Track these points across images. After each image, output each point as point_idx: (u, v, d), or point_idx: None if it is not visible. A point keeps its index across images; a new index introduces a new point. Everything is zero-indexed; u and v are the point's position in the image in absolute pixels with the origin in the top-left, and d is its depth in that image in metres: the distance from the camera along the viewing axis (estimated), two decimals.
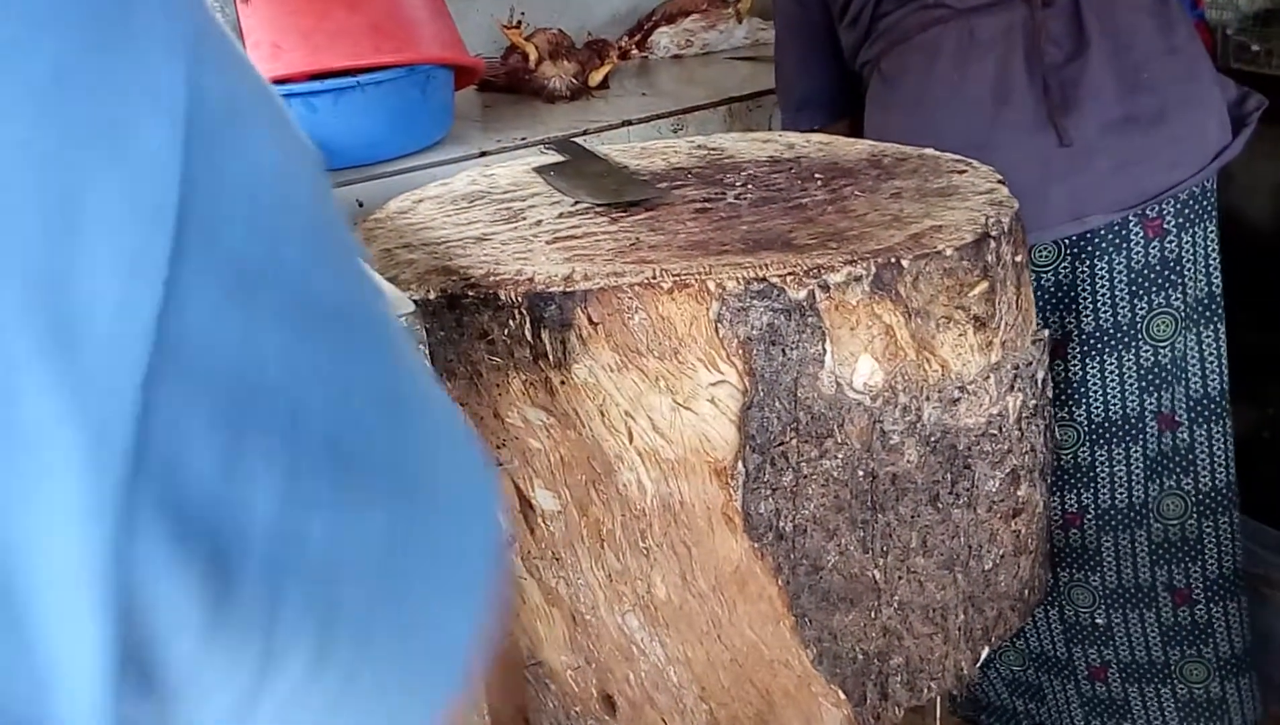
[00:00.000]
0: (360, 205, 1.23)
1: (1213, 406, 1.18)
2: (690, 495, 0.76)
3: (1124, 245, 1.10)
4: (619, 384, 0.73)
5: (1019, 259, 0.81)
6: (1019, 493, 0.85)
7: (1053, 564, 1.07)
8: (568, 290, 0.72)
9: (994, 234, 0.77)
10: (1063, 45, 1.08)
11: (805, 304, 0.71)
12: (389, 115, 1.29)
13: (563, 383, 0.74)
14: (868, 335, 0.73)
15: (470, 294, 0.73)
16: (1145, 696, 1.27)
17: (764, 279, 0.70)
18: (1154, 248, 1.11)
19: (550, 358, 0.73)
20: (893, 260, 0.72)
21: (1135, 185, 1.08)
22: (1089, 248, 1.10)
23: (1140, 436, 1.17)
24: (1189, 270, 1.13)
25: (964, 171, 0.89)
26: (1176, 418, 1.17)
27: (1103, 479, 1.19)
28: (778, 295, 0.70)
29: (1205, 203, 1.13)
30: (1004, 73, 1.08)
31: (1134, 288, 1.12)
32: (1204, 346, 1.17)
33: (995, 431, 0.81)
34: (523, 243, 0.82)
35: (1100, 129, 1.06)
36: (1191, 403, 1.17)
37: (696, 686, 0.83)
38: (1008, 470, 0.83)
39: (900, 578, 0.82)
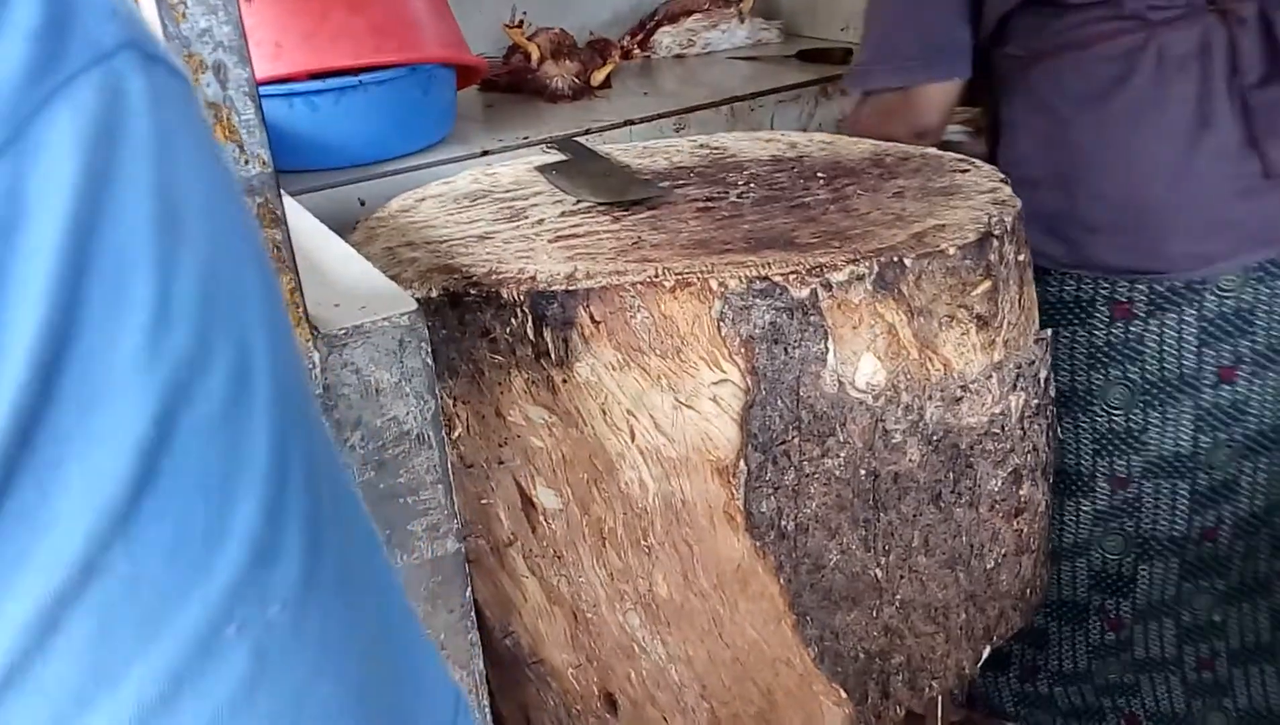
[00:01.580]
0: (362, 204, 1.23)
1: None
2: (692, 494, 0.76)
3: None
4: (621, 382, 0.73)
5: (1022, 258, 0.81)
6: (1021, 492, 0.85)
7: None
8: (570, 289, 0.72)
9: (997, 233, 0.77)
10: (1258, 64, 1.02)
11: (808, 303, 0.71)
12: (391, 114, 1.29)
13: (565, 381, 0.74)
14: (870, 334, 0.73)
15: (472, 292, 0.73)
16: (1249, 675, 1.27)
17: (766, 278, 0.70)
18: None
19: (552, 356, 0.73)
20: (895, 259, 0.72)
21: None
22: (1273, 269, 1.07)
23: None
24: None
25: (967, 171, 0.89)
26: None
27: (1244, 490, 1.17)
28: (780, 294, 0.70)
29: None
30: (1206, 94, 1.02)
31: None
32: None
33: (998, 431, 0.81)
34: (525, 241, 0.82)
35: None
36: None
37: (698, 685, 0.83)
38: (1010, 469, 0.83)
39: (902, 577, 0.82)
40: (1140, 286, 1.08)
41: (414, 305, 0.57)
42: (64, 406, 0.19)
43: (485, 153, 1.31)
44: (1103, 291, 1.10)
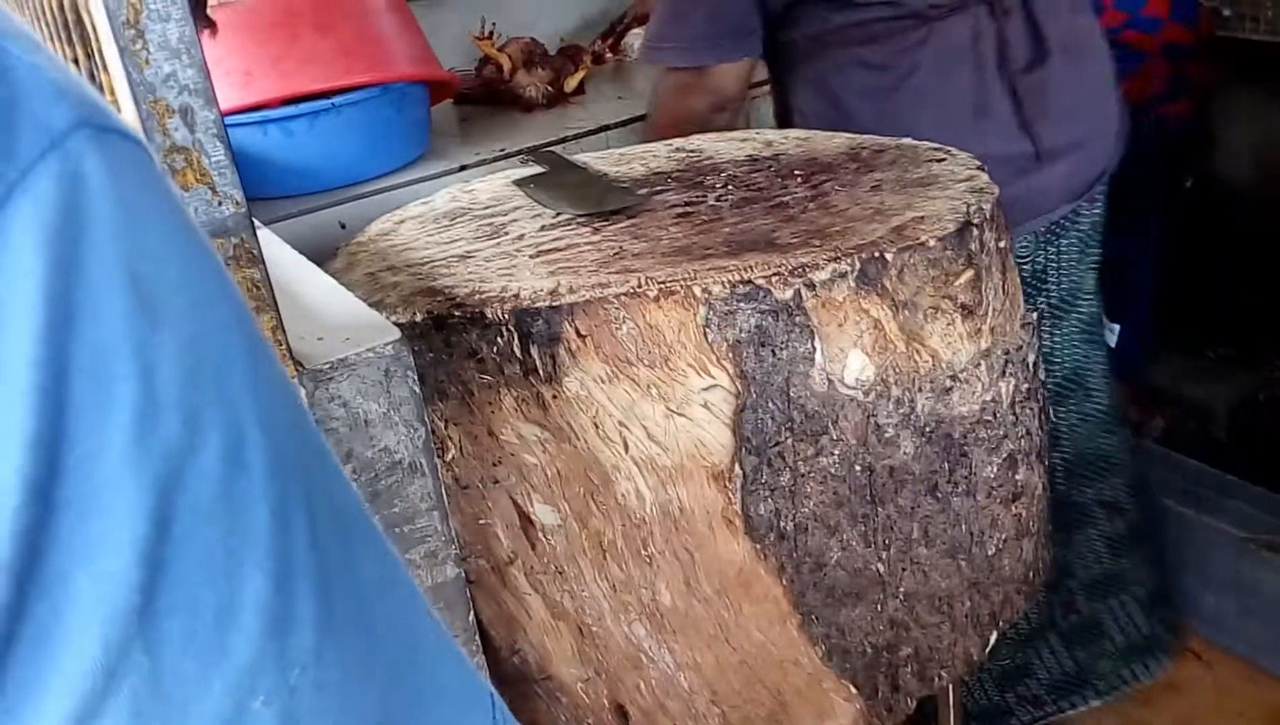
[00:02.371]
0: (343, 226, 1.23)
1: (1096, 335, 1.30)
2: (689, 501, 0.76)
3: (1075, 223, 1.22)
4: (611, 395, 0.73)
5: (1003, 245, 0.81)
6: (1017, 477, 0.85)
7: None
8: (554, 304, 0.71)
9: (976, 221, 0.77)
10: (1023, 51, 1.10)
11: (792, 304, 0.71)
12: (366, 135, 1.29)
13: (555, 397, 0.74)
14: (856, 331, 0.73)
15: (457, 314, 0.73)
16: (1114, 610, 1.35)
17: (749, 281, 0.70)
18: (1093, 216, 1.24)
19: (540, 373, 0.73)
20: (877, 254, 0.72)
21: (1085, 176, 1.18)
22: (1056, 230, 1.20)
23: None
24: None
25: (943, 160, 0.89)
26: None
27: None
28: (764, 296, 0.70)
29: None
30: (980, 82, 1.09)
31: (1083, 255, 1.23)
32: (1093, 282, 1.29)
33: (990, 418, 0.81)
34: (506, 258, 0.81)
35: (1065, 133, 1.12)
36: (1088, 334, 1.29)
37: (708, 691, 0.83)
38: (1005, 455, 0.83)
39: (904, 569, 0.82)
40: None
41: (398, 334, 0.57)
42: (63, 518, 0.19)
43: (463, 167, 1.31)
44: None
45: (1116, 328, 1.40)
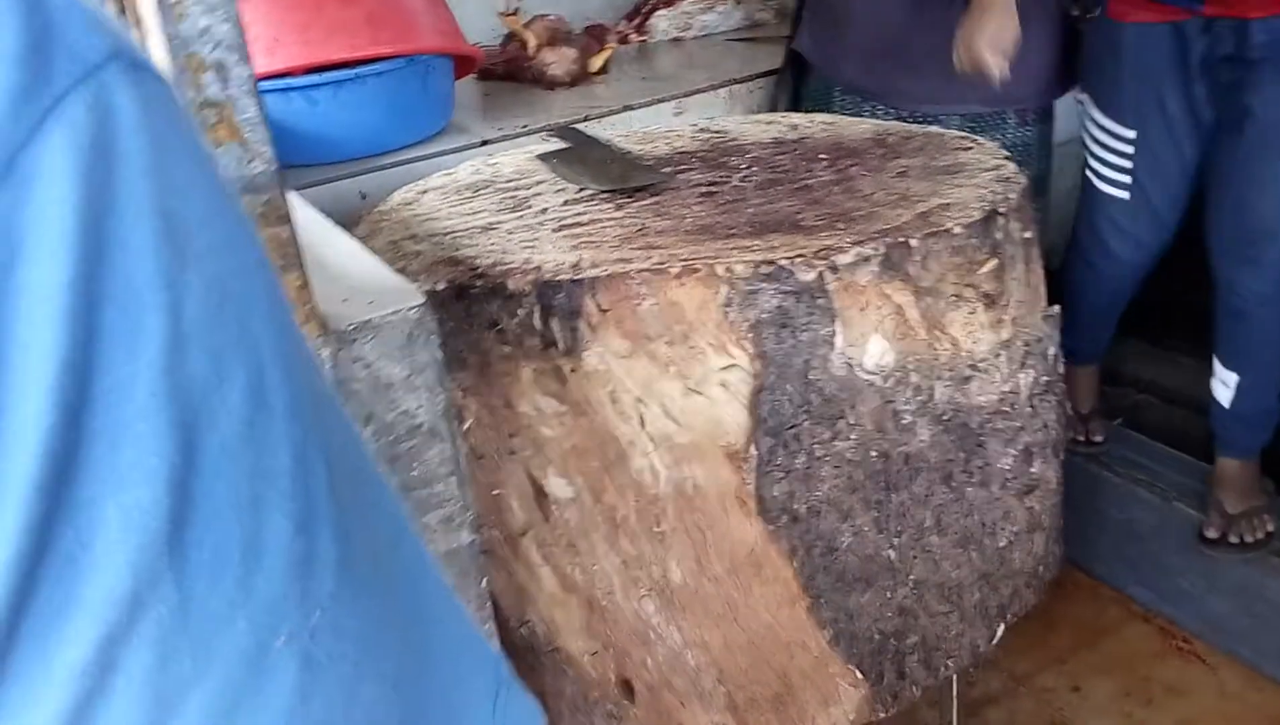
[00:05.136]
0: (364, 197, 1.23)
1: None
2: (704, 479, 0.76)
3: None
4: (629, 370, 0.73)
5: (1028, 235, 0.80)
6: (1032, 469, 0.85)
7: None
8: (576, 278, 0.71)
9: (1002, 211, 0.76)
10: None
11: (814, 286, 0.71)
12: (389, 106, 1.28)
13: (573, 370, 0.74)
14: (878, 316, 0.73)
15: (478, 284, 0.73)
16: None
17: (773, 262, 0.70)
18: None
19: (560, 346, 0.73)
20: (901, 240, 0.71)
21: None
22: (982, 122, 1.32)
23: None
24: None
25: (969, 148, 0.89)
26: None
27: None
28: (787, 278, 0.70)
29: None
30: None
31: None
32: None
33: (1007, 409, 0.81)
34: (529, 231, 0.81)
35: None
36: None
37: (714, 669, 0.83)
38: (1021, 447, 0.83)
39: (915, 557, 0.82)
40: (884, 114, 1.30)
41: (422, 298, 0.57)
42: (93, 445, 0.19)
43: (485, 142, 1.31)
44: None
45: (1234, 380, 1.31)
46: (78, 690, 0.19)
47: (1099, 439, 1.56)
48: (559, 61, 1.54)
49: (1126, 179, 1.31)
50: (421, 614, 0.27)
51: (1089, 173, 1.37)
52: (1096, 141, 1.33)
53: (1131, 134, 1.28)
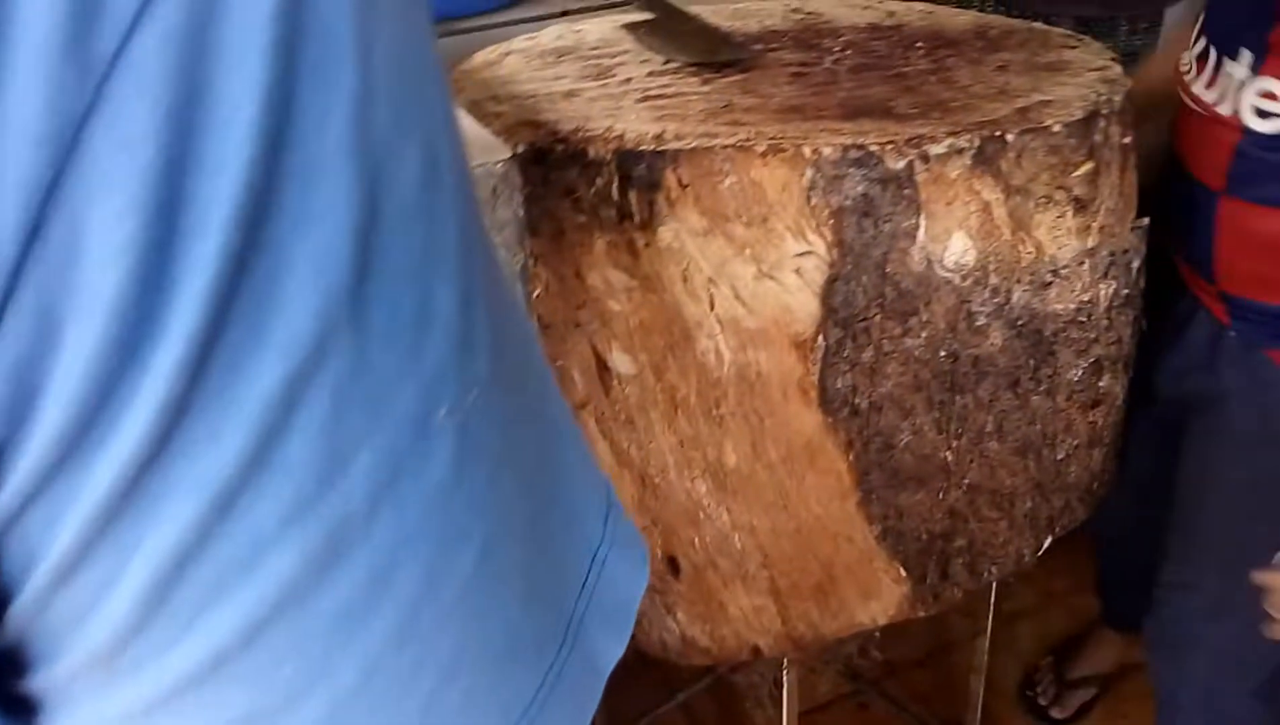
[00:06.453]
0: (444, 60, 1.21)
1: None
2: (767, 366, 0.76)
3: None
4: (704, 250, 0.73)
5: (1127, 141, 0.77)
6: (1100, 383, 0.83)
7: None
8: (658, 149, 0.70)
9: (1104, 112, 0.73)
10: None
11: (903, 175, 0.69)
12: None
13: (647, 245, 0.73)
14: (964, 211, 0.71)
15: (559, 149, 0.72)
16: None
17: (862, 146, 0.68)
18: None
19: (636, 219, 0.72)
20: (997, 133, 0.69)
21: None
22: None
23: None
24: None
25: (1075, 47, 0.85)
26: None
27: None
28: (875, 164, 0.68)
29: None
30: None
31: None
32: None
33: (1084, 319, 0.79)
34: (611, 100, 0.80)
35: None
36: None
37: (759, 554, 0.84)
38: (1092, 360, 0.81)
39: (972, 461, 0.82)
40: None
41: (508, 154, 0.56)
42: (288, 186, 0.19)
43: (566, 13, 1.28)
44: None
45: None
46: (260, 425, 0.20)
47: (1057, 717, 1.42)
48: None
49: None
50: (550, 421, 0.27)
51: None
52: None
53: None
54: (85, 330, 0.18)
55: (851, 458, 0.79)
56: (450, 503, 0.22)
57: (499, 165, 0.55)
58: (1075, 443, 0.86)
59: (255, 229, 0.19)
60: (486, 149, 0.57)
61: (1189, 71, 0.93)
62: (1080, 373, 0.82)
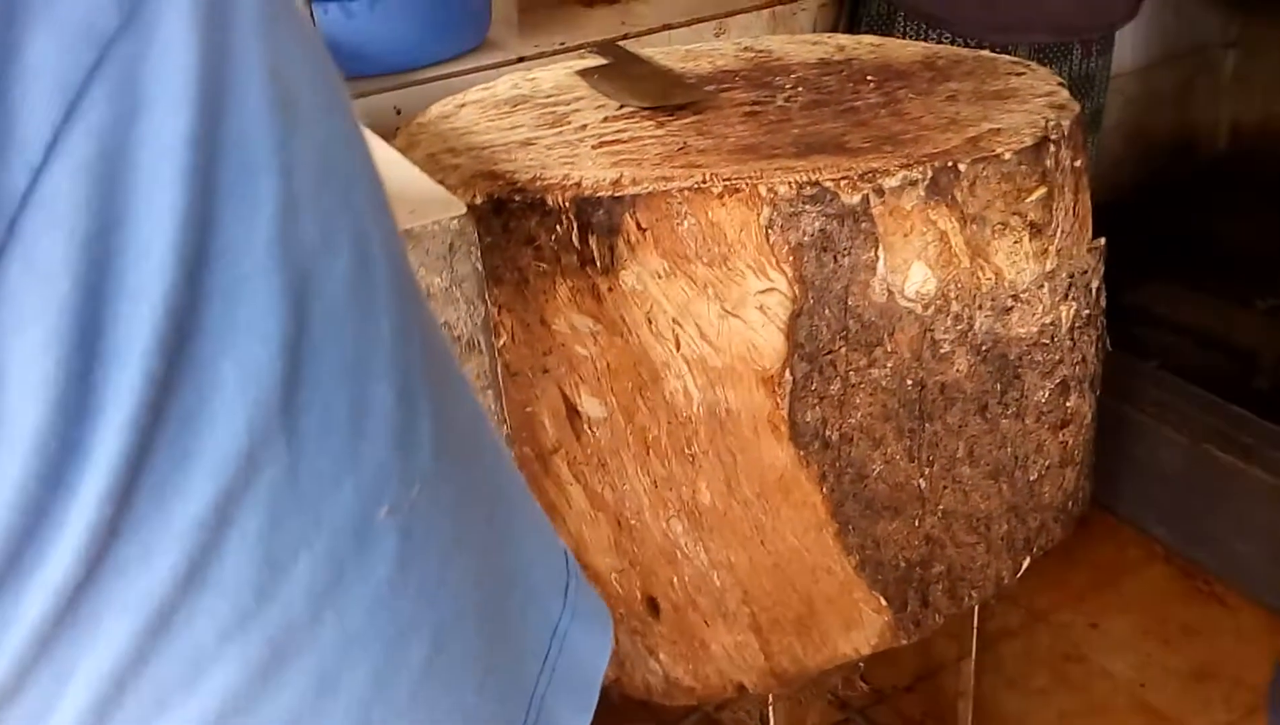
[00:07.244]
0: (398, 112, 1.21)
1: None
2: (737, 403, 0.76)
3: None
4: (666, 291, 0.73)
5: (1078, 164, 0.79)
6: (1068, 403, 0.84)
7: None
8: (616, 195, 0.71)
9: (1054, 138, 0.75)
10: None
11: (859, 209, 0.69)
12: (425, 20, 1.26)
13: (610, 289, 0.73)
14: (921, 242, 0.72)
15: (517, 199, 0.73)
16: None
17: (817, 183, 0.69)
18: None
19: (598, 264, 0.73)
20: (950, 164, 0.70)
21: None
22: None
23: None
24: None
25: (1022, 74, 0.86)
26: None
27: None
28: (830, 200, 0.69)
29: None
30: None
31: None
32: None
33: (1047, 341, 0.80)
34: (568, 147, 0.80)
35: None
36: None
37: (739, 590, 0.84)
38: (1058, 381, 0.82)
39: (945, 487, 0.82)
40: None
41: (463, 209, 0.56)
42: (211, 305, 0.19)
43: (521, 59, 1.29)
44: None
45: None
46: (193, 543, 0.19)
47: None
48: None
49: None
50: (502, 494, 0.27)
51: None
52: None
53: None
54: (8, 463, 0.18)
55: (825, 490, 0.79)
56: (397, 599, 0.22)
57: (454, 221, 0.55)
58: (1047, 463, 0.87)
59: (178, 351, 0.19)
60: (442, 205, 0.57)
61: None
62: (1047, 394, 0.82)
